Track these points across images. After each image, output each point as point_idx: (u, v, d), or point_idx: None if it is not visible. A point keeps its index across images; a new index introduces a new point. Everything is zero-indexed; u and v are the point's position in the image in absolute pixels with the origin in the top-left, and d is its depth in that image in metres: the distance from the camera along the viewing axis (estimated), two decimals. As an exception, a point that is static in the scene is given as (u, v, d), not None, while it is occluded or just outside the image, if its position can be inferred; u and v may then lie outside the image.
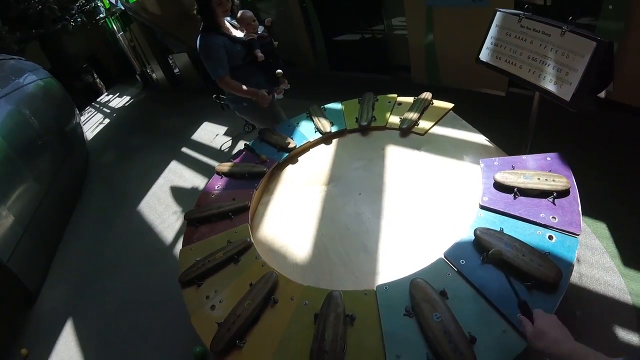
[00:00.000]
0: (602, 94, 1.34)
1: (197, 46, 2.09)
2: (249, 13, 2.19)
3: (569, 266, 1.00)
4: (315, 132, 2.07)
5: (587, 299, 1.64)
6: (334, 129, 2.04)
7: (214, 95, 4.10)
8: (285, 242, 1.54)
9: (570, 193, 1.19)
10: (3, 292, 2.75)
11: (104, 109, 8.77)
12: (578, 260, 1.79)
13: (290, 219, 1.65)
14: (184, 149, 4.50)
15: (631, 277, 1.67)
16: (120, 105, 8.49)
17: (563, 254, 1.04)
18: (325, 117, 2.12)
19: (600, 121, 2.64)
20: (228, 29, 2.20)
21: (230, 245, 1.48)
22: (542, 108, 1.72)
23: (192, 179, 3.69)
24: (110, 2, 8.49)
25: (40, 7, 8.12)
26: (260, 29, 2.22)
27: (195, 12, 2.08)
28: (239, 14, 2.20)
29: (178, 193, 3.57)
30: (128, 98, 8.71)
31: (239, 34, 2.20)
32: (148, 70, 8.44)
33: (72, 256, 3.29)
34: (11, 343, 2.45)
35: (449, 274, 1.10)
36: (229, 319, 1.18)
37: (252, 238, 1.51)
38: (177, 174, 3.93)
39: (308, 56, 5.39)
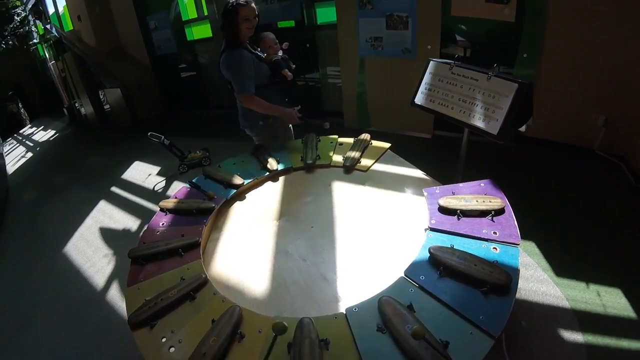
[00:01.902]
0: (523, 128, 1.61)
1: (225, 61, 2.09)
2: (272, 35, 2.23)
3: (516, 270, 1.15)
4: (261, 169, 2.10)
5: (530, 310, 1.85)
6: (280, 167, 2.09)
7: (149, 134, 3.92)
8: (241, 278, 1.48)
9: (506, 210, 1.39)
10: None
11: (27, 142, 7.78)
12: None
13: (243, 254, 1.60)
14: (114, 189, 4.16)
15: (565, 285, 1.94)
16: (44, 139, 7.61)
17: (508, 261, 1.19)
18: (271, 156, 2.17)
19: (516, 154, 3.15)
20: (249, 48, 2.20)
21: (184, 283, 1.37)
22: (468, 146, 2.00)
23: (124, 220, 3.39)
24: (45, 28, 7.87)
25: None
26: (280, 52, 2.27)
27: (220, 27, 2.09)
28: (261, 36, 2.24)
29: (108, 235, 3.23)
30: (53, 132, 7.87)
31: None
32: (77, 104, 7.77)
33: None
34: None
35: (411, 290, 1.17)
36: (194, 358, 1.08)
37: (206, 274, 1.43)
38: (107, 215, 3.59)
39: None
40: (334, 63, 4.33)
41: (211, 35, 5.48)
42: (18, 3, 8.85)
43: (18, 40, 8.73)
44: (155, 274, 1.49)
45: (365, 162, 2.00)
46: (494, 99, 1.59)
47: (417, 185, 1.75)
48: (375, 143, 2.15)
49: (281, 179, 2.07)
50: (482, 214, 1.39)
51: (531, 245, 2.22)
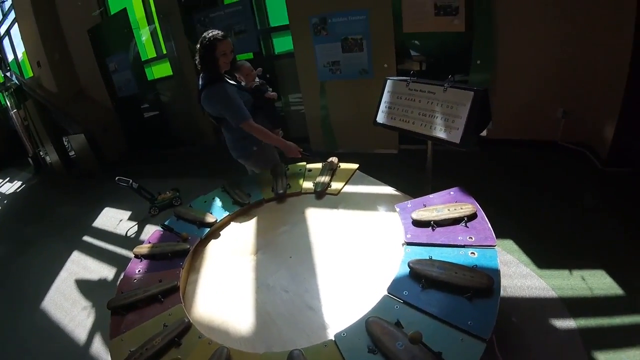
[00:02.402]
0: (484, 133, 1.70)
1: (212, 96, 2.10)
2: (247, 63, 2.30)
3: (496, 271, 1.18)
4: (233, 204, 2.08)
5: (518, 305, 1.89)
6: (251, 200, 2.09)
7: (116, 178, 3.82)
8: (225, 317, 1.44)
9: (478, 215, 1.44)
10: None
11: None
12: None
13: (225, 292, 1.57)
14: (86, 238, 4.00)
15: (548, 276, 2.00)
16: (10, 191, 7.22)
17: (488, 263, 1.22)
18: (241, 189, 2.17)
19: (483, 157, 3.28)
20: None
21: (167, 329, 1.32)
22: (434, 157, 2.08)
23: (99, 270, 3.24)
24: (5, 76, 7.58)
25: None
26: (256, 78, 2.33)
27: (196, 62, 2.11)
28: (238, 65, 2.29)
29: (85, 286, 3.08)
30: (19, 183, 7.50)
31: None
32: (41, 153, 7.46)
33: None
34: None
35: (397, 307, 1.18)
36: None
37: (189, 318, 1.39)
38: (81, 266, 3.42)
39: (209, 136, 5.47)
40: (296, 90, 4.42)
41: (172, 73, 5.49)
42: None
43: None
44: (137, 323, 1.43)
45: (335, 185, 2.03)
46: (452, 109, 1.67)
47: (389, 202, 1.79)
48: (343, 165, 2.19)
49: (254, 211, 2.07)
50: (456, 221, 1.43)
51: (509, 243, 2.29)
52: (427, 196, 1.65)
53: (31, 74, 6.76)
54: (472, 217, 1.43)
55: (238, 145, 2.42)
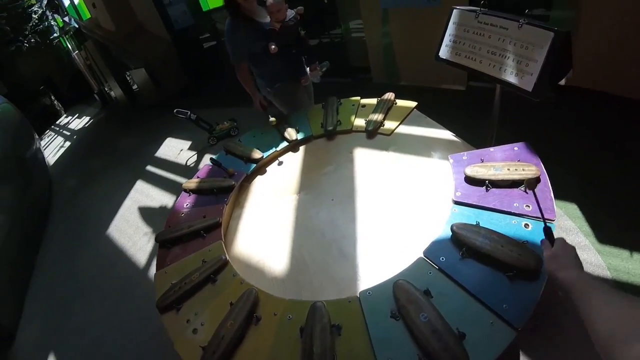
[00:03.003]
0: (562, 82, 1.39)
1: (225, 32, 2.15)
2: (275, 0, 2.08)
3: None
4: (282, 140, 2.04)
5: None
6: (300, 136, 2.02)
7: (175, 110, 3.97)
8: (261, 256, 1.49)
9: (541, 180, 1.22)
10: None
11: (64, 132, 8.32)
12: None
13: (264, 231, 1.60)
14: (149, 168, 4.33)
15: (607, 253, 1.76)
16: (80, 126, 8.07)
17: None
18: (291, 125, 2.10)
19: (560, 106, 2.78)
20: (258, 13, 2.18)
21: (205, 265, 1.41)
22: (504, 98, 1.78)
23: (160, 198, 3.55)
24: (64, 21, 8.11)
25: None
26: (290, 14, 2.14)
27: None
28: (266, 1, 2.11)
29: (147, 213, 3.42)
30: (87, 119, 8.31)
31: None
32: (106, 89, 8.09)
33: (45, 288, 3.10)
34: None
35: (430, 273, 1.09)
36: (212, 341, 1.12)
37: (227, 255, 1.45)
38: (144, 194, 3.77)
39: None
40: (356, 16, 4.01)
41: None
42: (33, 1, 9.07)
43: (39, 36, 9.01)
44: (181, 257, 1.54)
45: (389, 124, 1.86)
46: (527, 50, 1.36)
47: (445, 149, 1.61)
48: (400, 103, 1.99)
49: (301, 148, 2.02)
50: (514, 184, 1.24)
51: (573, 208, 2.00)
52: (487, 149, 1.44)
53: (88, 16, 6.93)
54: (535, 181, 1.23)
55: (258, 83, 2.42)
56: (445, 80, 3.52)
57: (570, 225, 1.92)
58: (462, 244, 1.10)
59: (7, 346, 2.57)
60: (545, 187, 1.20)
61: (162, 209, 3.37)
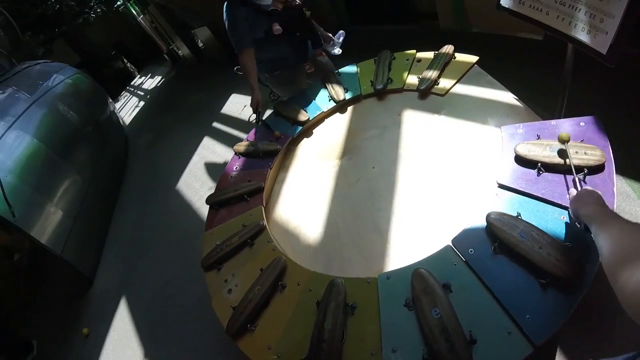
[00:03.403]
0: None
1: (224, 15, 2.04)
2: None
3: (595, 260, 0.86)
4: (330, 100, 1.97)
5: None
6: (348, 96, 1.93)
7: (235, 68, 4.05)
8: (298, 223, 1.54)
9: (605, 169, 1.01)
10: (62, 280, 3.10)
11: (138, 92, 9.07)
12: None
13: (304, 197, 1.64)
14: (215, 124, 4.55)
15: None
16: (152, 86, 8.73)
17: (590, 245, 0.88)
18: (340, 84, 2.00)
19: None
20: None
21: (244, 230, 1.51)
22: (581, 55, 1.45)
23: (224, 154, 3.76)
24: None
25: (58, 6, 8.26)
26: None
27: None
28: None
29: (212, 169, 3.67)
30: (159, 78, 8.91)
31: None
32: (174, 48, 8.48)
33: (120, 239, 3.56)
34: (74, 324, 2.74)
35: (455, 264, 1.02)
36: (241, 303, 1.24)
37: (265, 221, 1.53)
38: (210, 150, 4.02)
39: (328, 12, 5.00)
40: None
41: None
42: None
43: (105, 5, 9.41)
44: (226, 219, 1.67)
45: (444, 83, 1.67)
46: (602, 2, 1.04)
47: (503, 115, 1.41)
48: (459, 57, 1.75)
49: (349, 109, 1.95)
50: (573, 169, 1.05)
51: (637, 173, 1.63)
52: (549, 121, 1.22)
53: None
54: (598, 169, 1.02)
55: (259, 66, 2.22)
56: (519, 27, 2.90)
57: (629, 191, 1.56)
58: (495, 237, 0.99)
59: (86, 291, 3.02)
60: (609, 180, 0.99)
61: (226, 164, 3.54)
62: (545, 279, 0.87)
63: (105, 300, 2.87)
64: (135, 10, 9.01)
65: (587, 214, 0.77)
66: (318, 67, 2.39)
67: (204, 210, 3.11)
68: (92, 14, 9.33)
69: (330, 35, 2.35)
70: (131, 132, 6.27)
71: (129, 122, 7.05)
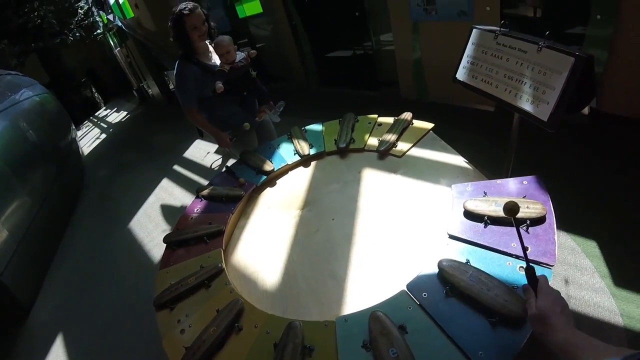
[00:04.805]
0: (586, 110, 1.31)
1: (174, 74, 2.11)
2: (225, 42, 2.10)
3: None
4: (295, 154, 2.07)
5: (577, 322, 1.57)
6: (312, 151, 2.04)
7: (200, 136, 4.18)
8: (256, 268, 1.52)
9: (546, 220, 1.15)
10: (-4, 306, 2.77)
11: (101, 124, 8.95)
12: (567, 281, 1.77)
13: (263, 243, 1.64)
14: (176, 167, 4.54)
15: (622, 298, 1.63)
16: (117, 120, 8.65)
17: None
18: (305, 139, 2.13)
19: (592, 134, 2.59)
20: (208, 54, 2.19)
21: (202, 270, 1.46)
22: (528, 122, 1.70)
23: (182, 198, 3.73)
24: (108, 18, 8.66)
25: (39, 21, 8.30)
26: (241, 56, 2.18)
27: (171, 38, 2.09)
28: (215, 41, 2.13)
29: (167, 211, 3.60)
30: (125, 113, 8.87)
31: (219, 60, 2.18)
32: (144, 86, 8.55)
33: (65, 269, 3.32)
34: (4, 357, 2.47)
35: (410, 307, 1.06)
36: (195, 343, 1.17)
37: (224, 263, 1.50)
38: (168, 192, 3.96)
39: (298, 72, 5.44)
40: (387, 29, 4.00)
41: (261, 11, 5.41)
42: None
43: (84, 31, 9.63)
44: (183, 259, 1.61)
45: (401, 146, 1.84)
46: (545, 76, 1.27)
47: (454, 176, 1.56)
48: (417, 123, 1.96)
49: (313, 164, 2.04)
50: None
51: (592, 246, 1.85)
52: (494, 181, 1.38)
53: (132, 15, 7.23)
54: (539, 221, 1.15)
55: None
56: (474, 99, 3.40)
57: (586, 264, 1.79)
58: (447, 281, 1.06)
59: (21, 322, 2.75)
60: (549, 229, 1.13)
61: (182, 208, 3.53)
62: (494, 317, 0.94)
63: (41, 334, 2.61)
64: (113, 42, 9.09)
65: (558, 343, 0.70)
66: (262, 124, 2.50)
67: (155, 252, 2.99)
68: (71, 36, 9.30)
69: (272, 103, 2.47)
70: (89, 163, 6.06)
71: (87, 152, 6.81)
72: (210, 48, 2.22)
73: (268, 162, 2.05)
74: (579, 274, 1.75)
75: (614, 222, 1.95)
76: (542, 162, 2.35)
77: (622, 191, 2.11)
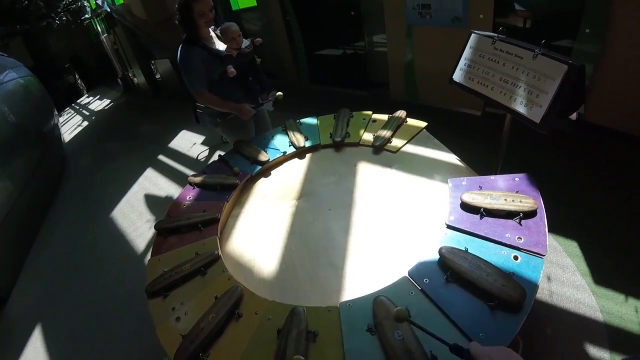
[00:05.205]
0: (574, 116, 1.39)
1: (177, 58, 2.06)
2: (234, 27, 2.11)
3: (534, 287, 1.01)
4: (290, 146, 2.07)
5: (558, 317, 1.68)
6: (308, 144, 2.05)
7: (193, 107, 4.09)
8: (253, 256, 1.51)
9: (537, 214, 1.22)
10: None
11: (84, 111, 8.54)
12: (549, 278, 1.85)
13: (259, 233, 1.63)
14: (161, 157, 4.42)
15: (602, 295, 1.73)
16: (100, 108, 8.28)
17: (528, 274, 1.05)
18: (300, 132, 2.13)
19: (575, 141, 2.74)
20: (211, 40, 2.16)
21: (197, 258, 1.44)
22: (516, 127, 1.78)
23: (167, 188, 3.63)
24: (97, 3, 8.33)
25: (26, 2, 7.91)
26: (245, 43, 2.17)
27: (177, 21, 2.06)
28: (223, 27, 2.13)
29: (152, 201, 3.49)
30: (108, 101, 8.52)
31: (222, 46, 2.17)
32: (130, 75, 8.26)
33: (44, 259, 3.18)
34: None
35: (412, 293, 1.10)
36: (192, 331, 1.15)
37: (220, 251, 1.48)
38: (152, 182, 3.85)
39: (290, 69, 5.42)
40: (381, 30, 4.06)
41: (256, 4, 5.39)
42: None
43: (71, 15, 9.22)
44: (176, 246, 1.58)
45: (396, 142, 1.88)
46: (539, 81, 1.36)
47: (447, 172, 1.62)
48: (410, 121, 2.01)
49: (308, 156, 2.05)
50: (509, 215, 1.23)
51: (573, 246, 1.97)
52: (488, 177, 1.44)
53: (122, 1, 7.04)
54: (530, 214, 1.22)
55: (207, 112, 2.34)
56: (462, 103, 3.52)
57: (568, 262, 1.90)
58: (447, 267, 1.10)
59: None
60: (540, 222, 1.19)
61: (167, 199, 3.45)
62: (493, 301, 0.98)
63: (18, 323, 2.50)
64: (101, 28, 8.71)
65: None
66: (259, 113, 2.50)
67: (138, 241, 2.92)
68: (57, 20, 8.84)
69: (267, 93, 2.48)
70: (71, 151, 5.77)
71: (68, 139, 6.48)
72: (213, 34, 2.19)
73: (263, 152, 2.04)
74: (560, 272, 1.85)
75: (594, 224, 2.08)
76: (527, 166, 2.47)
77: (601, 195, 2.26)
